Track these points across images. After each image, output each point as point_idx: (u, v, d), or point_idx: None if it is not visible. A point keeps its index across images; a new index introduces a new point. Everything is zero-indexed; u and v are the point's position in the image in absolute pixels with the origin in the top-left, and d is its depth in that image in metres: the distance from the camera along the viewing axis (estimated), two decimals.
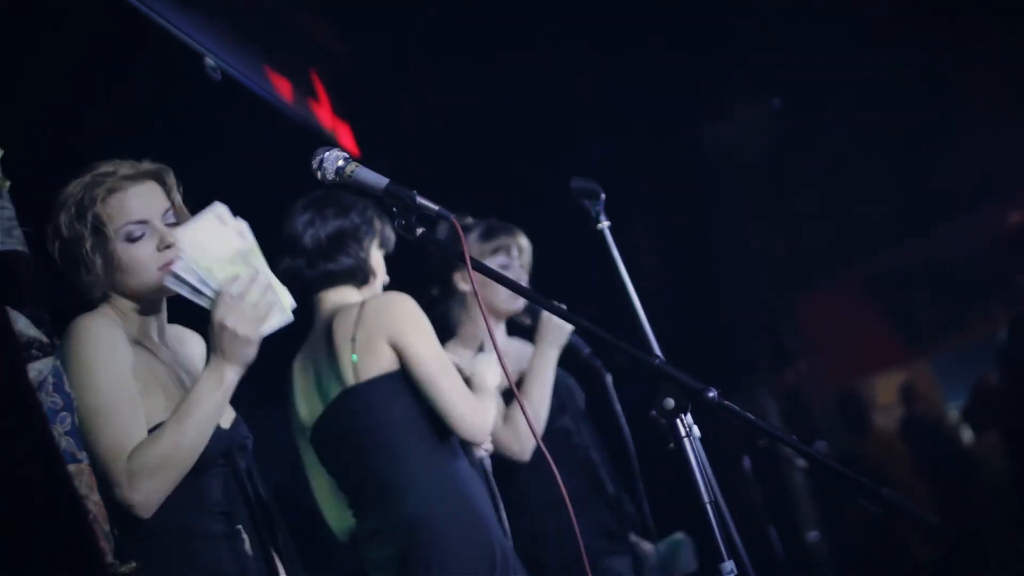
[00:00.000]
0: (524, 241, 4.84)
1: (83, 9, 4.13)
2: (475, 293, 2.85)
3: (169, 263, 2.90)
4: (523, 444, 4.49)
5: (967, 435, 10.92)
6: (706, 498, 2.54)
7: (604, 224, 4.17)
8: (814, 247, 11.98)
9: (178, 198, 3.07)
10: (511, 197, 7.03)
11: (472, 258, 2.69)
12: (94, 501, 2.44)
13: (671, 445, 2.57)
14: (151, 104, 4.48)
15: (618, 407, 4.98)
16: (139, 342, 2.94)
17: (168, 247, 2.93)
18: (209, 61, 4.82)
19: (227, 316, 2.81)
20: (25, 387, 2.39)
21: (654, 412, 2.57)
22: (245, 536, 2.95)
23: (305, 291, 3.87)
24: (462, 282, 4.72)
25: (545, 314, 4.63)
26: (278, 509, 3.19)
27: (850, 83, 9.24)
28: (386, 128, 6.55)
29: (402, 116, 6.70)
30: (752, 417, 2.56)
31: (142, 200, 2.97)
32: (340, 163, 2.82)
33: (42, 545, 2.27)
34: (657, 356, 2.64)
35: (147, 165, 3.03)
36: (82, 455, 2.48)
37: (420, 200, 2.74)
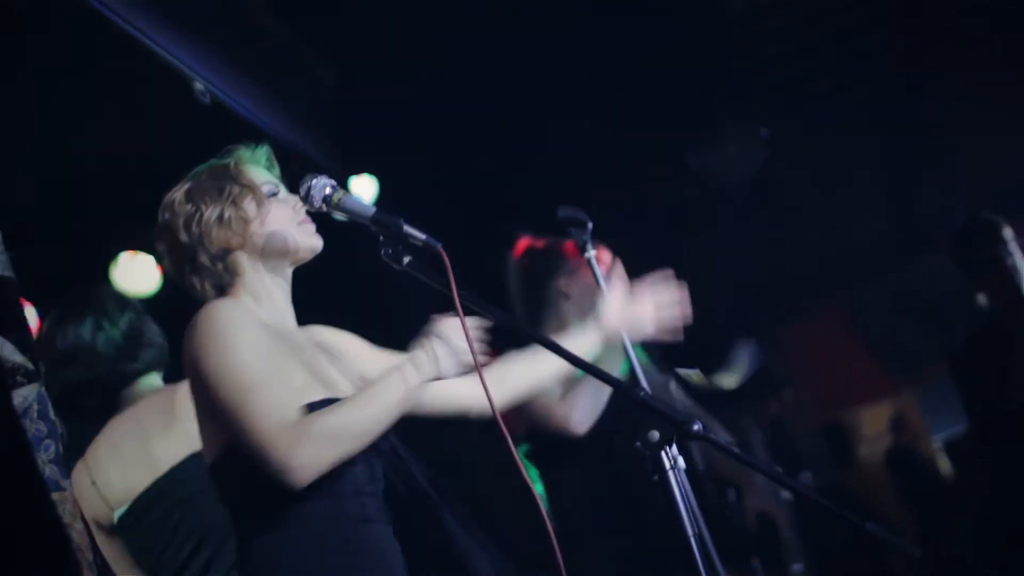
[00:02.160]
0: None
1: (73, 32, 4.14)
2: (463, 322, 2.82)
3: (306, 220, 2.93)
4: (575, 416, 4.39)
5: (950, 466, 10.94)
6: (690, 530, 2.54)
7: (591, 253, 4.16)
8: (800, 277, 12.02)
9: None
10: (498, 226, 7.06)
11: (458, 288, 2.69)
12: (77, 530, 2.43)
13: (655, 477, 2.57)
14: (139, 127, 4.49)
15: None
16: (271, 325, 2.88)
17: (302, 206, 2.94)
18: (198, 85, 4.83)
19: (453, 336, 2.82)
20: (9, 414, 2.37)
21: (639, 444, 2.57)
22: (385, 519, 2.90)
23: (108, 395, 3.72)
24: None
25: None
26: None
27: (837, 115, 9.29)
28: (375, 154, 6.56)
29: (391, 141, 6.72)
30: (736, 450, 2.56)
31: (262, 171, 3.02)
32: (328, 191, 2.83)
33: (25, 574, 2.26)
34: (642, 388, 2.63)
35: (250, 151, 3.07)
36: (66, 483, 2.47)
37: (407, 228, 2.74)
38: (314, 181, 2.85)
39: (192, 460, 3.35)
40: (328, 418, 2.61)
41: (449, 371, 2.82)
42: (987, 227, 5.43)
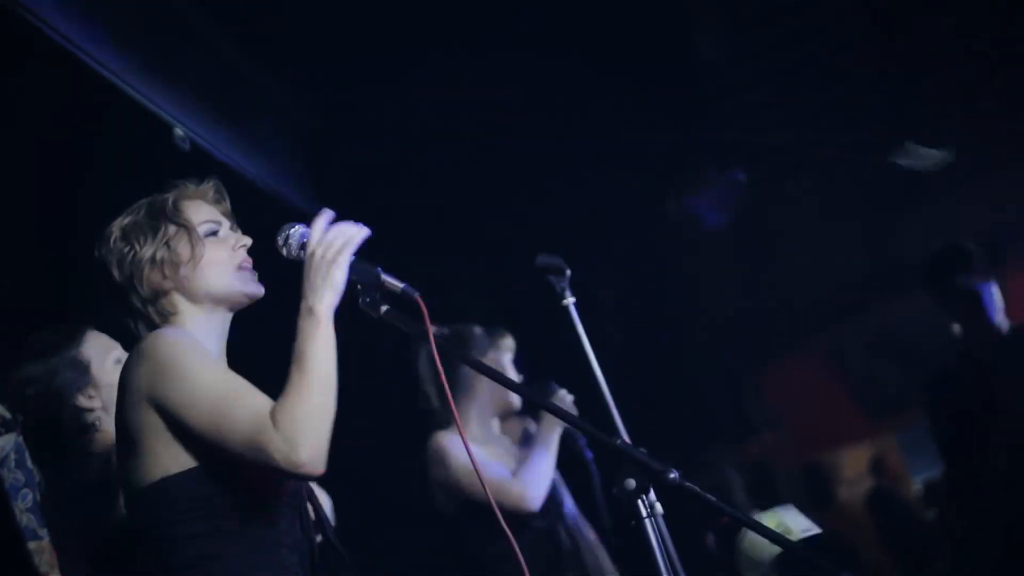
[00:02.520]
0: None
1: (52, 78, 4.15)
2: (441, 372, 2.81)
3: (247, 264, 2.87)
4: (529, 493, 4.51)
5: (931, 510, 10.93)
6: None
7: (569, 300, 4.18)
8: (779, 318, 12.04)
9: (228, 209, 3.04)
10: (477, 267, 7.08)
11: (436, 340, 2.69)
12: None
13: (632, 523, 2.58)
14: (119, 174, 4.48)
15: (601, 504, 5.01)
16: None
17: (243, 246, 2.89)
18: (178, 131, 4.84)
19: (316, 245, 2.73)
20: None
21: (616, 491, 2.58)
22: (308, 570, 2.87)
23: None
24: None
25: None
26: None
27: (816, 155, 9.33)
28: (354, 198, 6.57)
29: (371, 186, 6.73)
30: (713, 499, 2.57)
31: (207, 207, 2.95)
32: (305, 240, 2.80)
33: None
34: (619, 436, 2.64)
35: (195, 185, 3.00)
36: (43, 532, 2.46)
37: (385, 277, 2.73)
38: (291, 230, 2.83)
39: None
40: (290, 405, 2.53)
41: (340, 275, 2.72)
42: (961, 255, 5.34)
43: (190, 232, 2.84)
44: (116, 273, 2.82)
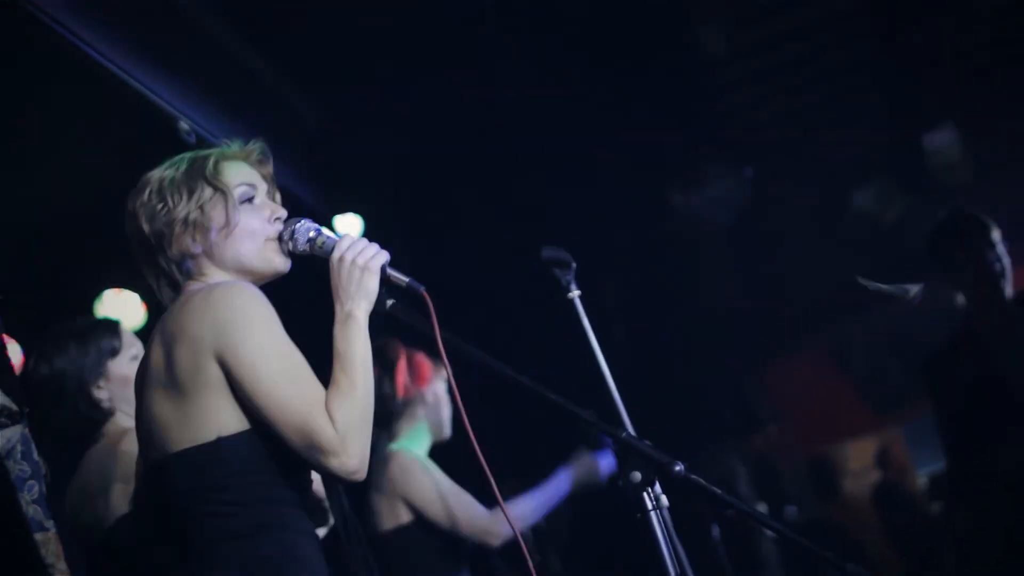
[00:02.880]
0: None
1: (57, 71, 4.16)
2: (448, 369, 2.81)
3: (276, 236, 2.82)
4: (501, 529, 4.42)
5: (936, 503, 10.93)
6: (672, 571, 2.55)
7: (575, 293, 4.16)
8: (785, 312, 12.03)
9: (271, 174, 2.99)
10: (483, 263, 7.08)
11: (442, 332, 2.68)
12: (60, 570, 2.42)
13: (638, 515, 2.58)
14: (124, 166, 4.49)
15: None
16: None
17: (279, 219, 2.84)
18: (183, 124, 4.84)
19: (347, 251, 2.71)
20: None
21: (621, 483, 2.58)
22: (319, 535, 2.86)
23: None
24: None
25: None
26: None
27: (822, 152, 9.33)
28: (357, 191, 6.57)
29: (373, 179, 6.73)
30: (718, 491, 2.57)
31: (248, 169, 2.89)
32: (312, 234, 2.79)
33: None
34: (624, 429, 2.64)
35: (239, 146, 2.95)
36: (49, 524, 2.46)
37: (390, 271, 2.71)
38: (298, 225, 2.81)
39: None
40: (346, 408, 2.53)
41: (374, 283, 2.71)
42: (974, 224, 5.10)
43: (226, 198, 2.79)
44: (146, 227, 2.78)
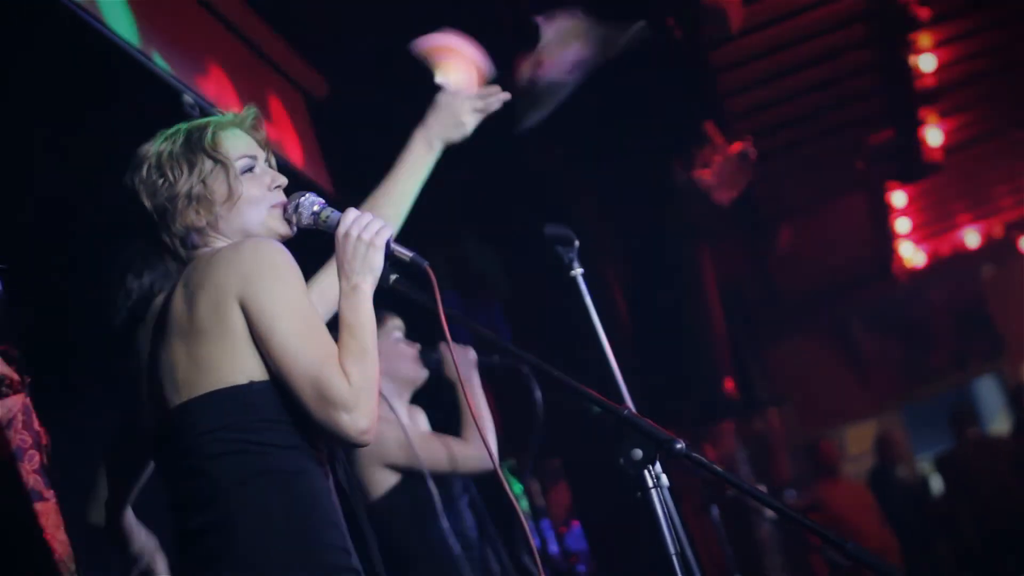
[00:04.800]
0: None
1: (61, 44, 4.14)
2: (448, 341, 2.80)
3: (281, 203, 2.82)
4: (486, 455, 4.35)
5: (936, 486, 10.96)
6: (672, 549, 2.55)
7: (577, 271, 4.15)
8: (786, 297, 12.05)
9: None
10: (486, 240, 7.07)
11: (445, 308, 2.68)
12: (60, 540, 2.43)
13: (638, 494, 2.58)
14: (128, 141, 4.48)
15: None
16: None
17: (279, 187, 2.84)
18: (187, 98, 4.83)
19: (352, 226, 2.71)
20: None
21: (622, 461, 2.58)
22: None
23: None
24: None
25: (455, 347, 4.55)
26: None
27: (822, 131, 9.33)
28: (363, 167, 6.55)
29: (380, 156, 6.71)
30: (719, 469, 2.57)
31: (244, 137, 2.88)
32: (316, 208, 2.78)
33: None
34: (626, 406, 2.63)
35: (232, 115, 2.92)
36: (49, 493, 2.46)
37: (394, 246, 2.71)
38: (302, 199, 2.79)
39: None
40: (361, 371, 2.55)
41: (379, 258, 2.71)
42: None
43: (227, 169, 2.78)
44: (148, 203, 2.77)
